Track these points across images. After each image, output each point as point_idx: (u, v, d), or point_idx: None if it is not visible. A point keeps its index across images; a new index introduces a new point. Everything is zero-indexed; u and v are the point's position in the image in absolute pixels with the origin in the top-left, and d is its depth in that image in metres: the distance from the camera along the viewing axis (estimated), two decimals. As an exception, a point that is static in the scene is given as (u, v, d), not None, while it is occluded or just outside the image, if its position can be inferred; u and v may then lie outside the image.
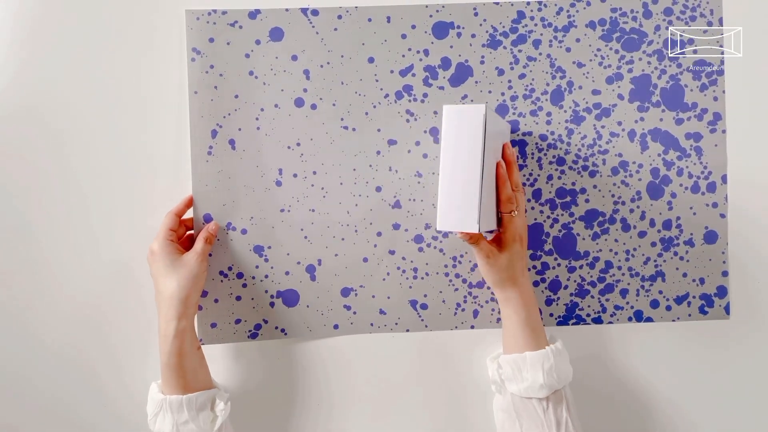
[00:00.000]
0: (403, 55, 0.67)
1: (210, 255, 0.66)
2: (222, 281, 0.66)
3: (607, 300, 0.69)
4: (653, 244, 0.68)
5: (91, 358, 0.68)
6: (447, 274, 0.68)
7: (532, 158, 0.68)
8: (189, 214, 0.66)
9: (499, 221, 0.61)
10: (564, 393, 0.60)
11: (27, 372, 0.68)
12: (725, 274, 0.69)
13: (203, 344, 0.66)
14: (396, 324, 0.68)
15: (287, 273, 0.67)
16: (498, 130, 0.58)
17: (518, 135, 0.68)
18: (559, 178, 0.68)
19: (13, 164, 0.67)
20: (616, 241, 0.68)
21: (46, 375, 0.68)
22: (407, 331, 0.68)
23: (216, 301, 0.66)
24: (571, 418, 0.59)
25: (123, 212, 0.67)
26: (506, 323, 0.63)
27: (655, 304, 0.69)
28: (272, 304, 0.67)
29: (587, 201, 0.68)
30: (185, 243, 0.65)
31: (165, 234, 0.61)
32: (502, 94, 0.68)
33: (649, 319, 0.69)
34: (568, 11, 0.68)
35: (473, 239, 0.58)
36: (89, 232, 0.67)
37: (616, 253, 0.68)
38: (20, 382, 0.68)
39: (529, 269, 0.68)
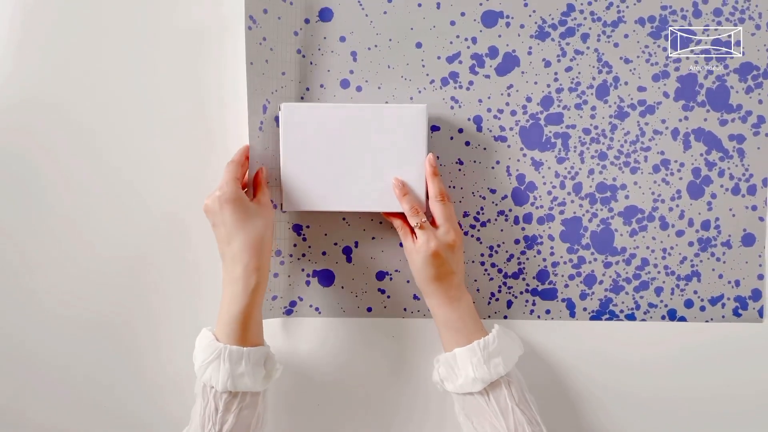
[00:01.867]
0: (451, 42, 0.67)
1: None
2: (260, 257, 0.66)
3: (641, 297, 0.69)
4: (690, 244, 0.68)
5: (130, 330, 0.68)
6: (483, 263, 0.68)
7: (575, 152, 0.68)
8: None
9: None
10: (503, 381, 0.58)
11: (58, 344, 0.68)
12: (761, 277, 0.69)
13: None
14: (429, 310, 0.68)
15: (324, 253, 0.68)
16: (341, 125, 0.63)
17: (562, 128, 0.68)
18: (600, 172, 0.68)
19: (67, 124, 0.67)
20: (653, 238, 0.68)
21: (82, 348, 0.68)
22: (440, 317, 0.68)
23: (254, 276, 0.66)
24: (517, 404, 0.57)
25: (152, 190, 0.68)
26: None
27: (689, 303, 0.69)
28: (308, 283, 0.68)
29: (627, 197, 0.68)
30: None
31: (236, 183, 0.58)
32: (548, 85, 0.68)
33: (683, 319, 0.69)
34: (618, 6, 0.68)
35: (391, 217, 0.64)
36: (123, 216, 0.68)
37: (653, 251, 0.68)
38: (53, 355, 0.68)
39: (565, 263, 0.68)
